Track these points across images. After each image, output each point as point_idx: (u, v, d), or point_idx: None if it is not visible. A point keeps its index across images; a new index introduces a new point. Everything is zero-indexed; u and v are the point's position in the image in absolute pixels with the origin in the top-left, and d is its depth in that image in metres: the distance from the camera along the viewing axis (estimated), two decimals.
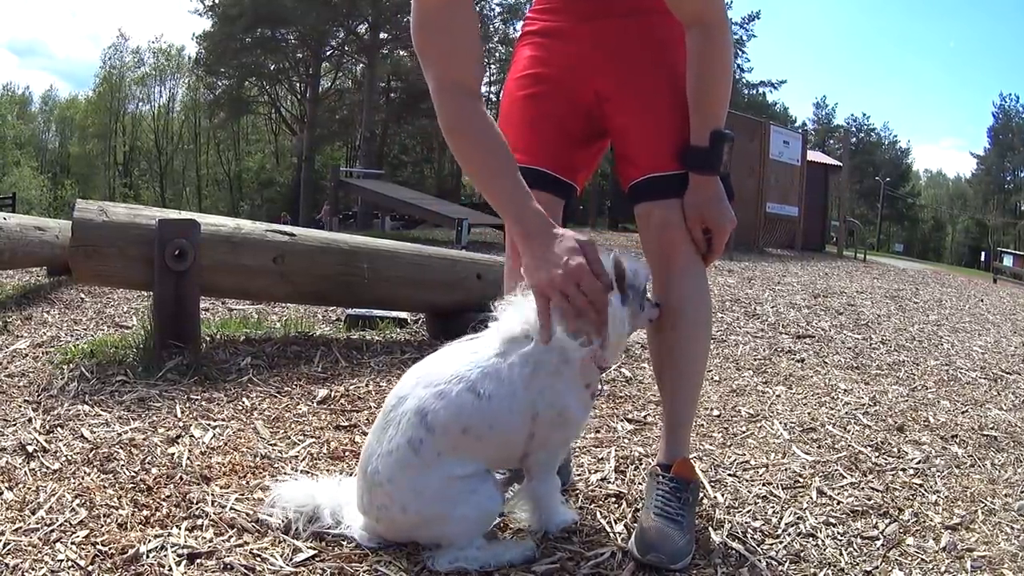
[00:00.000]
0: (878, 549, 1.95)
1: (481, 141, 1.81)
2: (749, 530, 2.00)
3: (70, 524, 1.80)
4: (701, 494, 2.16)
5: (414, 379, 1.77)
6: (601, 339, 1.69)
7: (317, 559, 1.71)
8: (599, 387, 1.87)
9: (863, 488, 2.35)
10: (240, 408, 2.79)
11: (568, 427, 1.81)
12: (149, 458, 2.23)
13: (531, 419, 1.74)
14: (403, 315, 4.55)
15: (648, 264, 1.98)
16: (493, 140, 1.81)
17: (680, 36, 1.90)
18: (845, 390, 3.64)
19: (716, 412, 3.09)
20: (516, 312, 1.77)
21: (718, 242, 1.95)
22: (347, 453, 2.41)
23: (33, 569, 1.60)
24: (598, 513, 2.05)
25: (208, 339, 3.70)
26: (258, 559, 1.69)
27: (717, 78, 1.90)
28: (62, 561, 1.64)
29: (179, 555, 1.68)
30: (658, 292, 1.97)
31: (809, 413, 3.16)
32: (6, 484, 2.01)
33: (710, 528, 1.99)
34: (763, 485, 2.33)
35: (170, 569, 1.62)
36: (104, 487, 2.01)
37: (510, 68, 2.21)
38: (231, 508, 1.92)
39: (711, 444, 2.69)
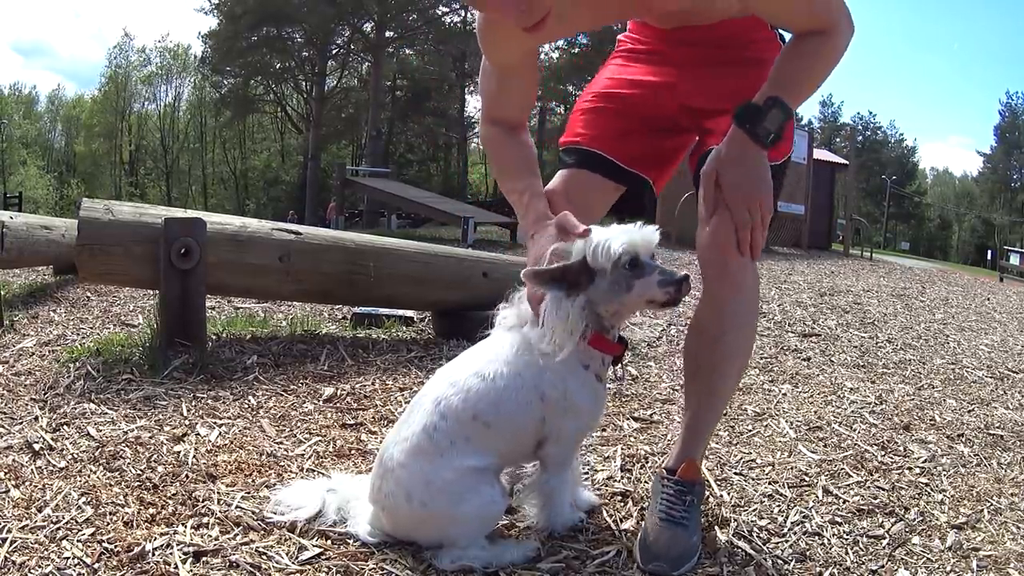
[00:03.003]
0: (884, 548, 1.95)
1: (505, 156, 2.09)
2: (755, 529, 2.00)
3: (76, 522, 1.81)
4: (707, 493, 2.16)
5: (440, 374, 1.85)
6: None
7: (323, 557, 1.72)
8: (609, 371, 1.86)
9: (869, 487, 2.35)
10: (246, 406, 2.79)
11: (578, 415, 1.80)
12: (155, 456, 2.24)
13: (540, 400, 1.75)
14: (409, 313, 4.55)
15: (701, 269, 1.92)
16: (515, 155, 2.06)
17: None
18: (851, 389, 3.63)
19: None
20: (513, 307, 1.84)
21: (735, 210, 1.81)
22: (353, 451, 2.41)
23: (39, 567, 1.61)
24: (604, 512, 2.05)
25: (214, 338, 3.71)
26: (264, 557, 1.70)
27: (814, 69, 1.83)
28: (68, 559, 1.64)
29: (185, 553, 1.68)
30: (709, 308, 1.93)
31: (815, 412, 3.15)
32: (13, 482, 2.02)
33: (716, 527, 1.98)
34: (769, 484, 2.33)
35: (176, 567, 1.62)
36: (110, 485, 2.02)
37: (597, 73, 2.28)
38: (237, 506, 1.93)
39: (717, 443, 2.69)
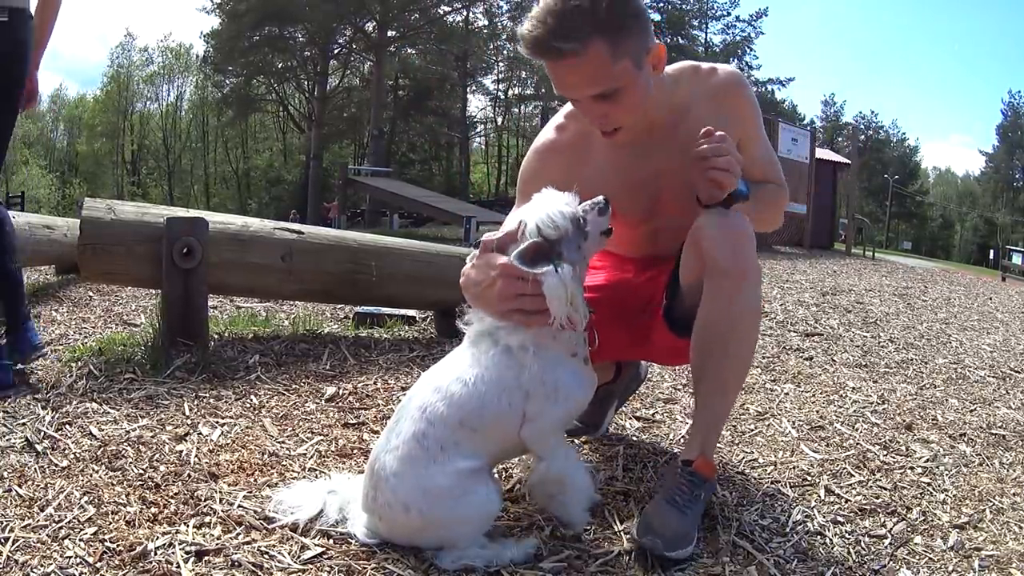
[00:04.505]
0: (886, 548, 1.95)
1: None
2: (757, 528, 2.00)
3: (78, 521, 1.81)
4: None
5: (421, 380, 1.85)
6: (553, 316, 1.72)
7: (325, 556, 1.72)
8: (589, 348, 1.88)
9: (871, 486, 2.35)
10: (248, 406, 2.79)
11: (567, 401, 1.80)
12: (157, 456, 2.24)
13: (523, 399, 1.76)
14: (411, 313, 4.55)
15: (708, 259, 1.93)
16: None
17: None
18: (853, 388, 3.63)
19: None
20: (478, 316, 1.85)
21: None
22: (355, 451, 2.41)
23: (42, 566, 1.61)
24: (606, 511, 2.05)
25: (216, 337, 3.71)
26: (266, 556, 1.70)
27: (770, 203, 2.17)
28: (70, 558, 1.64)
29: (187, 552, 1.68)
30: (717, 302, 1.93)
31: (817, 411, 3.15)
32: (15, 481, 2.02)
33: (718, 526, 1.98)
34: (771, 483, 2.33)
35: (178, 566, 1.62)
36: (112, 484, 2.02)
37: None
38: (239, 505, 1.93)
39: (719, 442, 2.68)
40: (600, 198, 1.83)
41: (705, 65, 2.10)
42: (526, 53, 1.86)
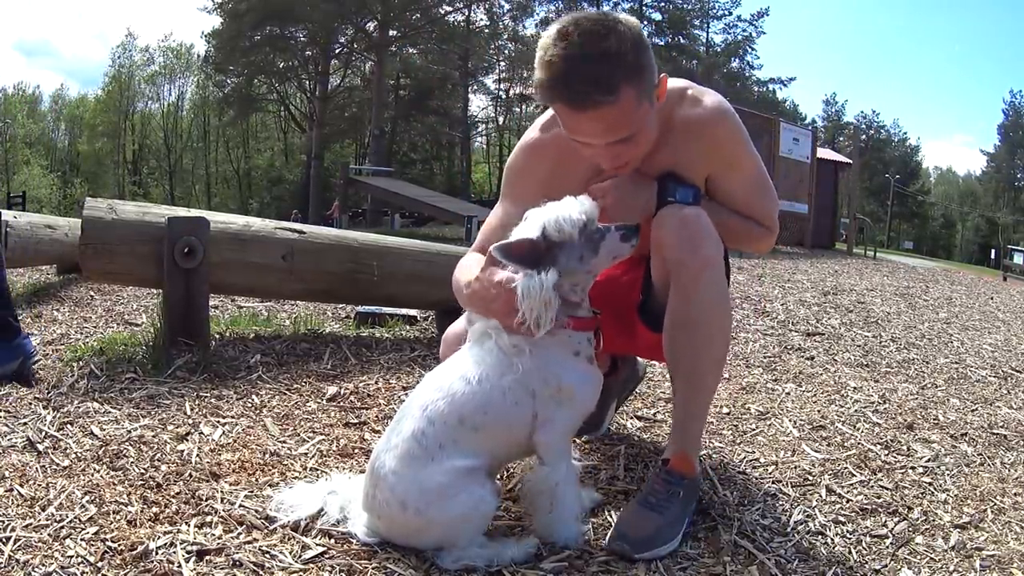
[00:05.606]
0: (887, 547, 1.95)
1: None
2: (758, 528, 2.00)
3: (80, 520, 1.81)
4: (711, 493, 2.16)
5: (425, 380, 1.85)
6: (520, 315, 1.71)
7: (326, 556, 1.72)
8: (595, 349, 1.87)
9: (872, 486, 2.35)
10: (249, 405, 2.79)
11: (573, 402, 1.80)
12: (158, 455, 2.24)
13: (530, 398, 1.76)
14: (413, 312, 4.55)
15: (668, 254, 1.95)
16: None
17: None
18: (855, 388, 3.63)
19: (726, 410, 3.08)
20: (481, 320, 1.85)
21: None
22: (356, 451, 2.41)
23: (43, 565, 1.61)
24: (607, 511, 2.05)
25: (217, 336, 3.71)
26: (267, 556, 1.70)
27: (738, 230, 2.11)
28: (72, 557, 1.64)
29: (188, 552, 1.68)
30: (678, 294, 1.94)
31: (818, 411, 3.15)
32: (17, 480, 2.02)
33: (719, 526, 1.98)
34: (772, 483, 2.33)
35: (179, 566, 1.62)
36: (114, 484, 2.02)
37: None
38: (240, 505, 1.93)
39: (720, 442, 2.69)
40: (632, 224, 1.81)
41: (692, 91, 2.05)
42: (545, 99, 1.81)
